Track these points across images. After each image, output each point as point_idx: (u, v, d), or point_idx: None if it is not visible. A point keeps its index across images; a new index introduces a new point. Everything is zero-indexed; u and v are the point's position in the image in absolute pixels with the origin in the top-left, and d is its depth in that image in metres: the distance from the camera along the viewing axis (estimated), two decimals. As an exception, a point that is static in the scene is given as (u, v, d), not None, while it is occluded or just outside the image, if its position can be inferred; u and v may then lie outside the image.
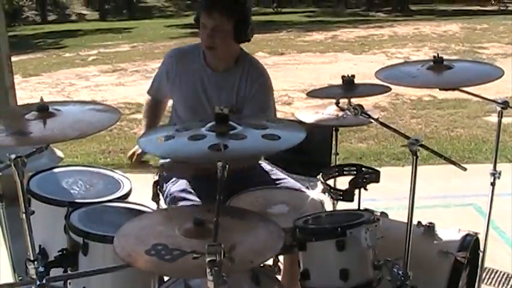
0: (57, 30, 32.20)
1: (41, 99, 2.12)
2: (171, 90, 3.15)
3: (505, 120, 6.91)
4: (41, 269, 2.03)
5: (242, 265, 1.82)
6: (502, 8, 34.15)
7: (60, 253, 2.39)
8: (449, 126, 7.71)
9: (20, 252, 2.80)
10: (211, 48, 2.94)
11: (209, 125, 1.77)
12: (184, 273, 1.85)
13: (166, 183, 3.11)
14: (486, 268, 3.67)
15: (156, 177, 3.18)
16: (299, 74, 11.96)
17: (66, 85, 12.28)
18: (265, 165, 3.26)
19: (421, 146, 2.05)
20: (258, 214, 2.32)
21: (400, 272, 2.20)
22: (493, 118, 7.78)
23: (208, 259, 1.48)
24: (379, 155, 6.27)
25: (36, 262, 2.10)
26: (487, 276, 3.76)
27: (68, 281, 2.41)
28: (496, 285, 3.72)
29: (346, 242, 2.21)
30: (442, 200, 4.92)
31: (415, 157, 2.07)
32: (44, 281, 1.95)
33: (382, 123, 2.31)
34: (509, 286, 3.73)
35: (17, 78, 11.28)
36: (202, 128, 1.78)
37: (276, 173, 3.19)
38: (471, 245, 2.66)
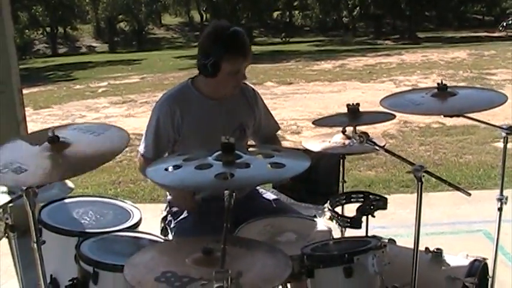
0: (68, 63, 32.61)
1: (53, 132, 2.16)
2: (178, 135, 3.05)
3: (515, 146, 6.95)
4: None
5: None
6: (509, 34, 34.19)
7: (71, 282, 2.43)
8: (458, 152, 7.71)
9: (31, 282, 2.83)
10: (240, 86, 3.05)
11: (216, 154, 1.81)
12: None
13: (174, 219, 3.12)
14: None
15: (165, 213, 3.20)
16: (307, 103, 12.03)
17: (77, 117, 12.42)
18: (270, 195, 3.28)
19: (426, 172, 2.08)
20: (266, 243, 2.35)
21: (408, 299, 2.21)
22: (502, 144, 7.78)
23: (215, 285, 1.50)
24: (387, 183, 6.28)
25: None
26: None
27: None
28: (506, 311, 3.69)
29: (353, 269, 2.23)
30: (451, 227, 4.91)
31: (420, 183, 2.09)
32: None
33: (387, 151, 2.34)
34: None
35: (28, 111, 11.40)
36: (209, 157, 1.82)
37: (279, 202, 3.22)
38: (479, 271, 2.66)
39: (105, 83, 19.41)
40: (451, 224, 4.97)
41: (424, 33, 40.58)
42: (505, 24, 38.06)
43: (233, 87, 3.02)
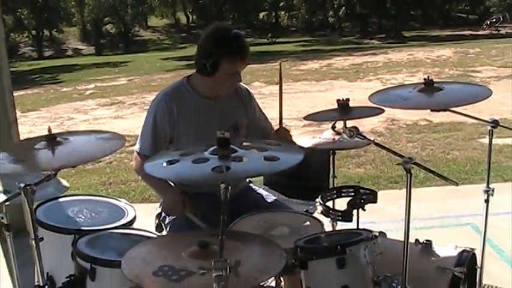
0: (54, 66, 32.50)
1: (49, 130, 2.20)
2: (174, 132, 3.10)
3: (500, 141, 7.11)
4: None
5: (247, 282, 1.90)
6: (493, 32, 34.46)
7: (68, 279, 2.46)
8: (445, 149, 7.80)
9: (26, 282, 2.86)
10: (234, 87, 3.13)
11: (211, 148, 1.86)
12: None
13: (168, 215, 3.17)
14: (485, 285, 3.73)
15: (159, 210, 3.24)
16: (296, 103, 12.08)
17: (65, 119, 12.41)
18: (262, 191, 3.35)
19: (415, 164, 2.14)
20: (260, 236, 2.39)
21: (399, 287, 2.26)
22: (487, 140, 7.89)
23: (215, 274, 1.55)
24: (376, 179, 6.34)
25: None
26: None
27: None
28: (495, 300, 3.76)
29: (346, 260, 2.29)
30: (439, 221, 4.98)
31: (409, 175, 2.15)
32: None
33: (377, 144, 2.40)
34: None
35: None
36: (205, 152, 1.86)
37: (271, 197, 3.27)
38: (468, 261, 2.72)
39: (92, 86, 19.39)
40: (440, 218, 5.04)
41: (409, 32, 40.84)
42: (488, 22, 38.29)
43: (228, 87, 3.09)
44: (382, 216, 4.71)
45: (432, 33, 38.59)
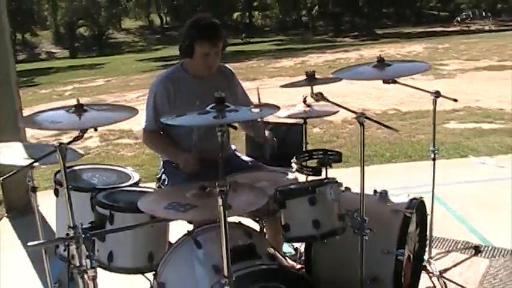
0: (29, 69, 32.45)
1: (77, 100, 2.72)
2: (173, 109, 3.56)
3: (462, 125, 7.75)
4: (84, 226, 2.60)
5: (239, 210, 2.51)
6: (463, 28, 35.41)
7: (90, 225, 2.98)
8: (411, 133, 8.39)
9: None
10: (212, 67, 3.62)
11: (211, 105, 2.42)
12: (194, 218, 2.54)
13: (168, 177, 3.71)
14: (437, 237, 4.36)
15: (160, 173, 3.80)
16: (272, 96, 12.63)
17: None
18: (244, 157, 3.91)
19: (366, 118, 2.73)
20: (247, 184, 2.96)
21: (359, 218, 2.84)
22: (451, 125, 8.57)
23: (218, 189, 2.11)
24: (347, 158, 6.84)
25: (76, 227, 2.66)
26: (438, 243, 4.45)
27: (96, 248, 3.01)
28: (444, 248, 4.38)
29: (316, 198, 2.87)
30: (403, 190, 5.45)
31: (362, 127, 2.74)
32: (87, 234, 2.54)
33: (337, 104, 2.97)
34: (455, 248, 4.39)
35: None
36: (206, 108, 2.43)
37: (254, 162, 3.82)
38: (417, 205, 3.32)
39: (70, 87, 19.77)
40: (403, 188, 5.54)
41: (382, 30, 41.59)
42: (459, 19, 39.37)
43: (206, 68, 3.60)
44: (353, 187, 5.30)
45: (404, 30, 39.35)
